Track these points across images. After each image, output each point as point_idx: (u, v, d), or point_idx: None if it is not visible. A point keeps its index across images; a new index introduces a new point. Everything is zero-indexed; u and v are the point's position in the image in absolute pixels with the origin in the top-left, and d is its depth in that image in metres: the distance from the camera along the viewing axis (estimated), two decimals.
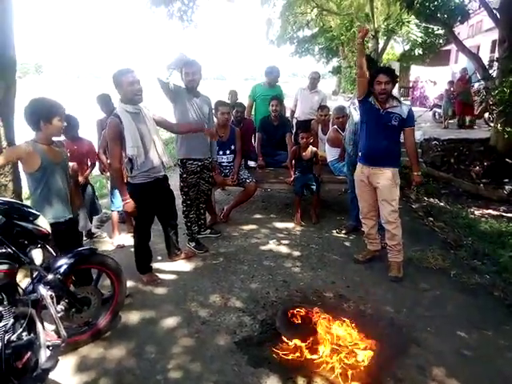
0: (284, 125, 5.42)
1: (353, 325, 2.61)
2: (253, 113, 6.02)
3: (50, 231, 2.28)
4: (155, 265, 3.61)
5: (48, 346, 2.10)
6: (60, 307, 2.33)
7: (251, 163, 5.61)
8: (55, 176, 2.62)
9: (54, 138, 2.71)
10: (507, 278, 3.43)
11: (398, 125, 3.32)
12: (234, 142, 4.70)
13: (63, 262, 2.37)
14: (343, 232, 4.44)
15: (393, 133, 3.36)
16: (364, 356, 2.37)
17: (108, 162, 3.94)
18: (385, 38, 18.99)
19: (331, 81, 35.26)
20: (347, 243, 4.23)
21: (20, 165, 2.74)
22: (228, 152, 4.72)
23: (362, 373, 2.31)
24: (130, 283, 3.22)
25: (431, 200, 5.71)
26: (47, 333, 2.26)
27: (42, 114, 2.52)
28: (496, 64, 6.85)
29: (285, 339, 2.53)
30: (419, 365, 2.43)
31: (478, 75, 8.09)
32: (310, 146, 4.75)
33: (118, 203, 4.15)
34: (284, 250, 4.07)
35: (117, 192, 4.11)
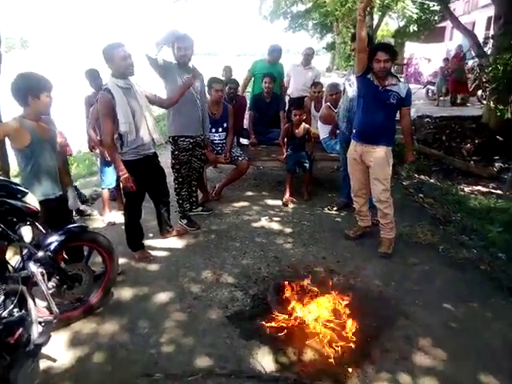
0: (277, 102, 5.36)
1: (342, 298, 2.66)
2: (249, 89, 5.95)
3: (39, 208, 2.26)
4: (147, 242, 3.62)
5: (40, 322, 2.12)
6: (51, 284, 2.34)
7: (243, 141, 5.58)
8: (44, 152, 2.58)
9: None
10: (494, 253, 3.50)
11: (395, 103, 3.28)
12: (227, 119, 4.64)
13: (53, 239, 2.36)
14: (334, 209, 4.47)
15: (390, 111, 3.34)
16: (353, 328, 2.42)
17: (98, 138, 3.89)
18: (379, 13, 18.67)
19: (325, 57, 34.74)
20: (338, 220, 4.27)
21: (8, 142, 2.69)
22: (220, 130, 4.67)
23: (351, 343, 2.36)
24: (122, 260, 3.24)
25: (422, 177, 5.75)
26: (39, 309, 2.27)
27: (30, 89, 2.46)
28: (491, 41, 6.79)
29: (276, 313, 2.57)
30: (407, 336, 2.49)
31: (472, 52, 8.03)
32: (303, 123, 4.71)
33: (109, 181, 4.13)
34: (276, 226, 4.09)
35: (107, 169, 4.07)
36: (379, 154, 3.37)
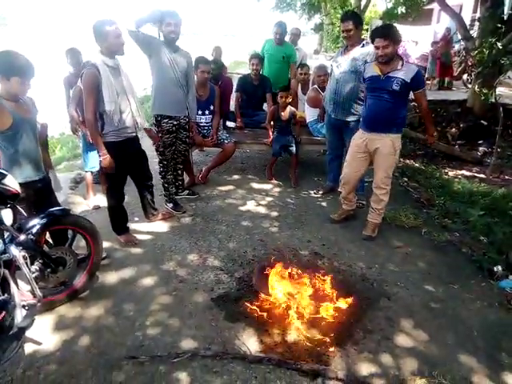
0: (264, 84, 5.27)
1: (326, 280, 2.70)
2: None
3: (20, 191, 2.21)
4: (133, 226, 3.59)
5: (23, 306, 2.10)
6: (34, 267, 2.31)
7: (230, 124, 5.52)
8: (26, 133, 2.48)
9: None
10: (475, 236, 3.58)
11: (399, 89, 3.14)
12: (214, 101, 4.57)
13: (35, 223, 2.32)
14: (320, 193, 4.49)
15: (394, 98, 3.20)
16: (336, 309, 2.47)
17: (80, 119, 3.80)
18: None
19: (313, 38, 34.34)
20: (324, 203, 4.30)
21: None
22: (207, 112, 4.60)
23: (334, 324, 2.41)
24: (107, 244, 3.21)
25: (407, 161, 5.80)
26: (22, 293, 2.25)
27: (1, 67, 2.35)
28: (477, 24, 6.78)
29: (261, 295, 2.60)
30: (388, 317, 2.56)
31: (458, 35, 8.02)
32: (289, 106, 4.68)
33: (92, 164, 4.05)
34: (262, 210, 4.10)
35: (90, 152, 3.99)
36: (385, 142, 3.30)
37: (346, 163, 3.66)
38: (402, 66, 3.18)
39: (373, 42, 3.19)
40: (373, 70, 3.28)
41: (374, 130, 3.36)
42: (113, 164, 3.00)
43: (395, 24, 14.35)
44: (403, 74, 3.14)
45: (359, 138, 3.47)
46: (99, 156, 3.03)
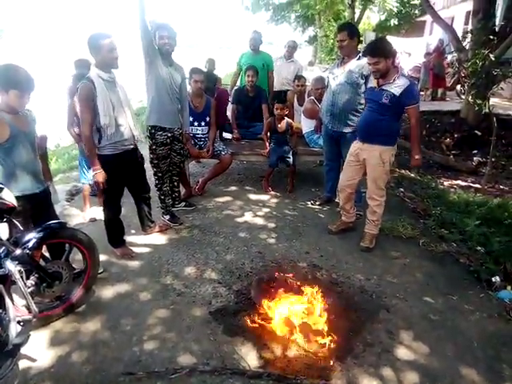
0: (259, 95, 5.30)
1: (325, 293, 2.68)
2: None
3: (16, 204, 2.19)
4: (129, 238, 3.57)
5: (18, 322, 2.07)
6: (30, 282, 2.28)
7: (226, 135, 5.54)
8: (24, 146, 2.46)
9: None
10: (472, 246, 3.58)
11: (389, 102, 3.16)
12: (209, 113, 4.58)
13: (31, 237, 2.29)
14: (317, 203, 4.49)
15: (384, 111, 3.23)
16: (335, 322, 2.45)
17: (77, 133, 3.79)
18: (361, 7, 18.77)
19: (307, 50, 34.74)
20: (321, 214, 4.29)
21: None
22: (203, 123, 4.62)
23: (334, 339, 2.39)
24: (104, 257, 3.18)
25: (402, 171, 5.82)
26: (17, 308, 2.22)
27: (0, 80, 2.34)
28: (469, 36, 6.89)
29: (259, 308, 2.58)
30: (388, 329, 2.54)
31: (451, 47, 8.14)
32: (285, 118, 4.71)
33: (90, 176, 4.03)
34: (259, 221, 4.09)
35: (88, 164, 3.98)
36: (372, 153, 3.34)
37: (342, 171, 3.71)
38: (395, 79, 3.17)
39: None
40: (372, 82, 3.36)
41: (364, 141, 3.42)
42: (105, 179, 3.00)
43: (388, 36, 14.63)
44: (394, 87, 3.15)
45: (353, 147, 3.54)
46: (92, 170, 3.03)
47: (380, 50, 3.15)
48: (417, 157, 3.41)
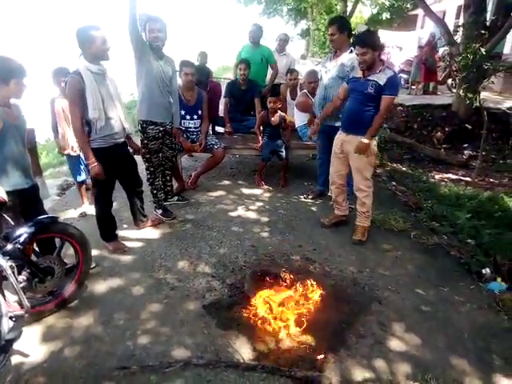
0: (252, 89, 5.28)
1: (318, 285, 2.70)
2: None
3: (7, 199, 2.17)
4: (122, 233, 3.55)
5: (11, 317, 2.06)
6: (22, 277, 2.26)
7: (219, 129, 5.51)
8: (16, 139, 2.43)
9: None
10: (463, 239, 3.63)
11: (374, 92, 3.20)
12: (201, 106, 4.55)
13: (23, 231, 2.27)
14: (310, 197, 4.50)
15: (369, 101, 3.26)
16: (328, 314, 2.47)
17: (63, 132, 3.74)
18: (353, 0, 18.72)
19: (300, 43, 34.64)
20: (314, 208, 4.31)
21: None
22: (195, 117, 4.59)
23: (327, 330, 2.41)
24: (96, 252, 3.17)
25: (394, 165, 5.87)
26: (9, 304, 2.21)
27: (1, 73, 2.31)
28: (461, 30, 6.92)
29: (253, 301, 2.59)
30: (380, 321, 2.56)
31: (443, 40, 8.16)
32: (279, 111, 4.70)
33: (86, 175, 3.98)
34: (252, 215, 4.09)
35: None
36: (356, 143, 3.36)
37: (330, 164, 3.74)
38: (381, 70, 3.22)
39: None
40: (356, 73, 3.37)
41: (348, 131, 3.44)
42: (102, 171, 2.96)
43: (380, 30, 14.63)
44: (379, 77, 3.20)
45: (337, 139, 3.57)
46: (87, 163, 2.99)
47: (368, 42, 3.19)
48: (366, 141, 3.27)
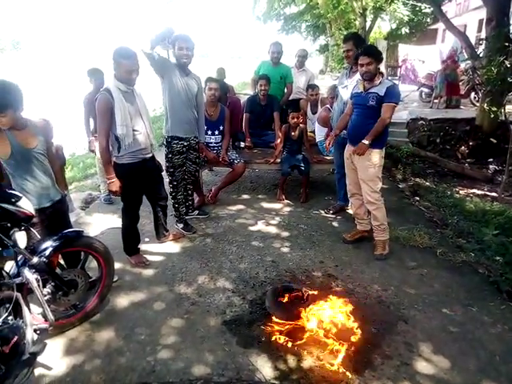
0: (272, 104, 5.31)
1: (341, 303, 2.64)
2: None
3: (34, 213, 2.21)
4: (143, 246, 3.57)
5: (35, 330, 2.08)
6: (46, 290, 2.29)
7: (239, 144, 5.54)
8: (30, 162, 2.44)
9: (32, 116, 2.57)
10: (491, 256, 3.50)
11: (376, 104, 3.26)
12: (223, 122, 4.60)
13: (48, 245, 2.31)
14: (331, 212, 4.45)
15: (373, 113, 3.31)
16: (353, 334, 2.40)
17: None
18: (372, 16, 18.78)
19: (318, 59, 34.87)
20: (335, 223, 4.25)
21: None
22: (216, 132, 4.63)
23: (351, 350, 2.34)
24: (118, 265, 3.18)
25: (417, 180, 5.76)
26: (34, 316, 2.23)
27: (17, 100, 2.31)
28: (484, 43, 6.82)
29: (274, 318, 2.55)
30: (407, 341, 2.48)
31: (464, 54, 8.07)
32: (299, 125, 4.70)
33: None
34: (273, 230, 4.06)
35: None
36: (364, 156, 3.37)
37: (346, 177, 3.77)
38: (380, 82, 3.29)
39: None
40: (358, 87, 3.43)
41: (354, 144, 3.46)
42: (119, 188, 3.02)
43: (401, 44, 14.53)
44: (379, 89, 3.26)
45: (347, 151, 3.61)
46: (107, 178, 3.05)
47: (374, 53, 3.28)
48: (366, 142, 3.30)
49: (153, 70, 3.54)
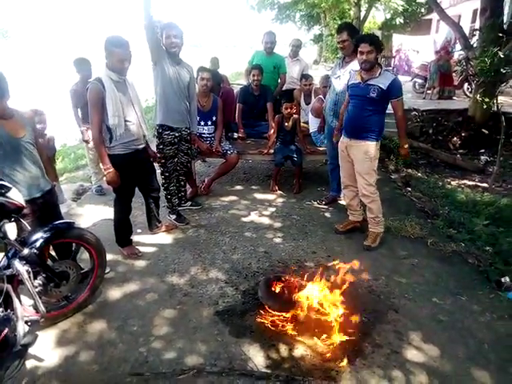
0: (265, 94, 5.27)
1: (332, 293, 2.65)
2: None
3: (24, 204, 2.19)
4: (136, 238, 3.56)
5: (26, 322, 2.07)
6: (37, 282, 2.28)
7: (232, 134, 5.51)
8: (18, 153, 2.40)
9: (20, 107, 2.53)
10: (481, 246, 3.54)
11: (377, 96, 3.21)
12: (216, 112, 4.57)
13: (39, 236, 2.29)
14: (324, 203, 4.47)
15: (371, 105, 3.27)
16: (343, 323, 2.42)
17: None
18: (366, 5, 18.67)
19: (312, 49, 34.69)
20: (328, 214, 4.27)
21: None
22: (209, 123, 4.60)
23: (342, 340, 2.36)
24: (110, 256, 3.18)
25: (409, 170, 5.79)
26: (25, 308, 2.22)
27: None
28: (478, 33, 6.82)
29: (267, 308, 2.56)
30: (397, 330, 2.51)
31: (458, 45, 8.06)
32: (293, 115, 4.68)
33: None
34: (265, 221, 4.07)
35: None
36: (360, 148, 3.37)
37: (340, 169, 3.75)
38: (380, 74, 3.23)
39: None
40: (355, 78, 3.36)
41: (351, 137, 3.44)
42: (117, 178, 2.98)
43: (395, 34, 14.48)
44: (380, 81, 3.20)
45: (341, 143, 3.58)
46: (103, 169, 3.01)
47: (375, 41, 3.20)
48: (406, 146, 3.48)
49: (148, 51, 3.44)
